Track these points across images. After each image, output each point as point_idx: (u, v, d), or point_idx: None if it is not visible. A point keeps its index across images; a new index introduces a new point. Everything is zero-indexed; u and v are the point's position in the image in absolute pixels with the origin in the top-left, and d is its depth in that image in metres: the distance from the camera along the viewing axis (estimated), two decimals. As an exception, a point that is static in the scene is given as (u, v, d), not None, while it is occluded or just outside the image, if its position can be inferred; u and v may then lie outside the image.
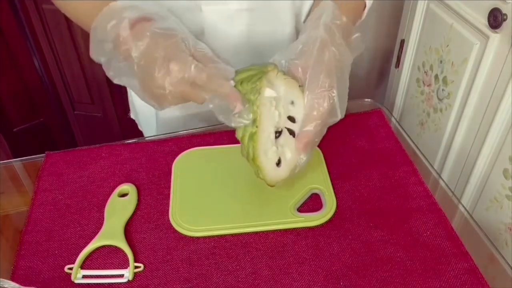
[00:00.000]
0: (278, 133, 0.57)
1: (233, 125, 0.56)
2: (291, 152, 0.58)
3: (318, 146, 0.72)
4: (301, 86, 0.57)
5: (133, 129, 1.02)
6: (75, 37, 1.70)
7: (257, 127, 0.55)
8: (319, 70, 0.55)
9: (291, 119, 0.58)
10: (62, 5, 0.67)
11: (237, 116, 0.54)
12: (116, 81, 0.58)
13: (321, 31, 0.56)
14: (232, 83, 0.55)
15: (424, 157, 0.73)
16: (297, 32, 0.79)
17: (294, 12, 0.77)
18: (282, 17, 0.76)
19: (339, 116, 0.56)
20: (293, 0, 0.75)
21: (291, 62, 0.58)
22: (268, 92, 0.55)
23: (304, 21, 0.79)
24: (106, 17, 0.57)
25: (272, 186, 0.60)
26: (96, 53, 0.58)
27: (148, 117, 0.92)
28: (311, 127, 0.55)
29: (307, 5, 0.77)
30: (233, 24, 0.74)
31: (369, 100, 0.85)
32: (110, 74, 0.58)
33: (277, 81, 0.56)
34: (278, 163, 0.58)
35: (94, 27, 0.57)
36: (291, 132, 0.58)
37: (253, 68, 0.57)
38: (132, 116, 0.99)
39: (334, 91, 0.54)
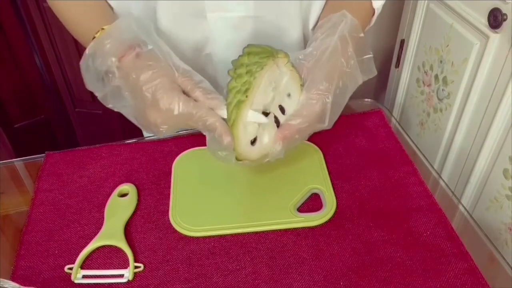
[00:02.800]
0: (265, 115, 0.57)
1: (219, 159, 0.56)
2: (269, 139, 0.57)
3: (318, 146, 0.72)
4: (303, 85, 0.57)
5: (133, 127, 1.01)
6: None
7: (247, 97, 0.55)
8: (321, 74, 0.55)
9: (282, 110, 0.57)
10: (54, 5, 0.67)
11: (222, 150, 0.55)
12: (116, 110, 0.59)
13: (335, 39, 0.57)
14: (222, 113, 0.55)
15: (424, 157, 0.74)
16: (305, 39, 0.77)
17: (302, 18, 0.74)
18: (289, 23, 0.74)
19: (326, 123, 0.56)
20: (300, 6, 0.72)
21: (298, 62, 0.58)
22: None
23: (312, 29, 0.76)
24: (93, 52, 0.56)
25: (239, 160, 0.58)
26: (91, 87, 0.58)
27: None
28: (296, 121, 0.55)
29: (315, 12, 0.74)
30: (238, 31, 0.72)
31: (369, 100, 0.85)
32: (109, 106, 0.58)
33: (283, 69, 0.56)
34: (253, 142, 0.57)
35: (83, 64, 0.57)
36: (277, 121, 0.57)
37: (266, 48, 0.57)
38: None
39: (329, 97, 0.55)
